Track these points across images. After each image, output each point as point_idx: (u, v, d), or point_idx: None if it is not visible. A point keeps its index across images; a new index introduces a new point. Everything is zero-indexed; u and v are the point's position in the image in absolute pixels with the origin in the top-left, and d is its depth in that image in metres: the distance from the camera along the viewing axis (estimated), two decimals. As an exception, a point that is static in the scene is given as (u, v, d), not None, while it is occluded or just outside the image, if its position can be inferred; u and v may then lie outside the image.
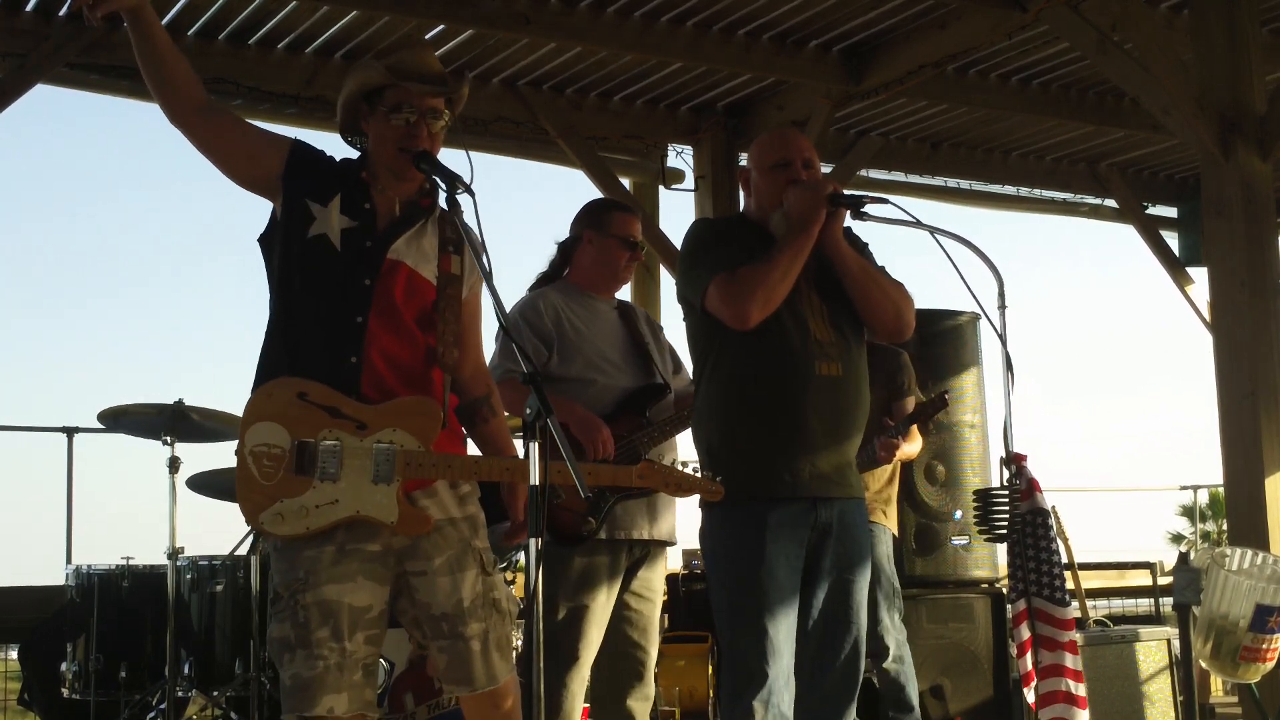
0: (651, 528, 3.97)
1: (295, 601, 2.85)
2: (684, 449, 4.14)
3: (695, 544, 7.26)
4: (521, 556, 4.49)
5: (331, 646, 2.83)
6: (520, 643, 3.72)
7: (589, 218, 4.15)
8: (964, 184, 9.02)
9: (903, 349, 5.40)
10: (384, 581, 2.92)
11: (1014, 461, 3.63)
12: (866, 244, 3.69)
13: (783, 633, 3.40)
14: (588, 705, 4.02)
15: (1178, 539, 16.71)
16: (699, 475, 3.14)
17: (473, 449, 3.23)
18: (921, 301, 3.74)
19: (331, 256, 2.95)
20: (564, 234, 4.20)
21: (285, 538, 2.86)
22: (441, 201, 3.00)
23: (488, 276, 2.91)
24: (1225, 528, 7.36)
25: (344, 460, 2.85)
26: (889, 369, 5.13)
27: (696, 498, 3.56)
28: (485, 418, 3.18)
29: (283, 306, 3.00)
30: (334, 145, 3.16)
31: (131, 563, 5.40)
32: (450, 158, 3.11)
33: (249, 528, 5.22)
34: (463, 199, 2.94)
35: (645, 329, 4.17)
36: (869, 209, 3.49)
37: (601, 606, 3.86)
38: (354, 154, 3.14)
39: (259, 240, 3.07)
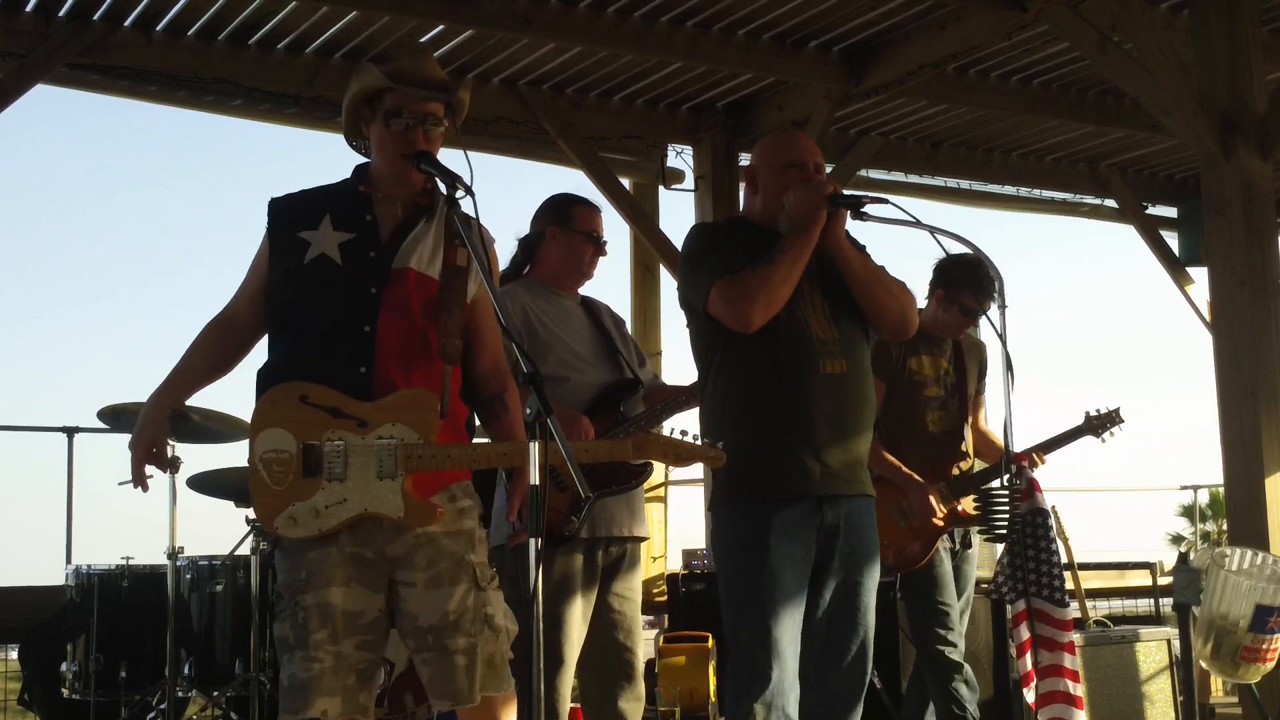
0: (631, 524, 3.96)
1: (296, 602, 2.90)
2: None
3: (695, 544, 7.29)
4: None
5: (328, 649, 2.86)
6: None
7: (552, 214, 4.09)
8: (964, 184, 9.02)
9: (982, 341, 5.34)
10: (377, 589, 2.94)
11: (1014, 461, 3.63)
12: (864, 245, 3.70)
13: (787, 634, 3.39)
14: (577, 705, 4.01)
15: (1178, 539, 16.69)
16: (698, 443, 3.06)
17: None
18: (922, 301, 3.74)
19: (333, 270, 2.99)
20: (528, 230, 4.15)
21: (300, 540, 2.90)
22: (442, 188, 3.03)
23: (487, 277, 2.93)
24: (1225, 528, 7.36)
25: (349, 459, 2.89)
26: (982, 362, 5.07)
27: (702, 500, 3.56)
28: (498, 414, 3.16)
29: (285, 325, 3.03)
30: (334, 145, 3.18)
31: (131, 563, 5.40)
32: (448, 158, 3.13)
33: (249, 528, 5.25)
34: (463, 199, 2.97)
35: (609, 324, 4.15)
36: (869, 209, 3.50)
37: (581, 606, 3.86)
38: (340, 176, 3.16)
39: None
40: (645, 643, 4.16)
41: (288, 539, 2.91)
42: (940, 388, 4.89)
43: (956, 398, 4.93)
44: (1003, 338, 3.53)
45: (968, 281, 4.73)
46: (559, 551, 3.80)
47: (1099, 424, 4.94)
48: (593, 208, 4.15)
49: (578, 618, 3.84)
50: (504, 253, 4.13)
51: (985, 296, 4.77)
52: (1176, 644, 5.53)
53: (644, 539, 4.07)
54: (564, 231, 4.05)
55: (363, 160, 3.17)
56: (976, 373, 5.06)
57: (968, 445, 4.96)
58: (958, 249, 3.77)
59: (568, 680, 3.84)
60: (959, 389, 4.95)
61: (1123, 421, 4.94)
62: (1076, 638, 3.89)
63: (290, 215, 3.08)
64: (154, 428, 3.00)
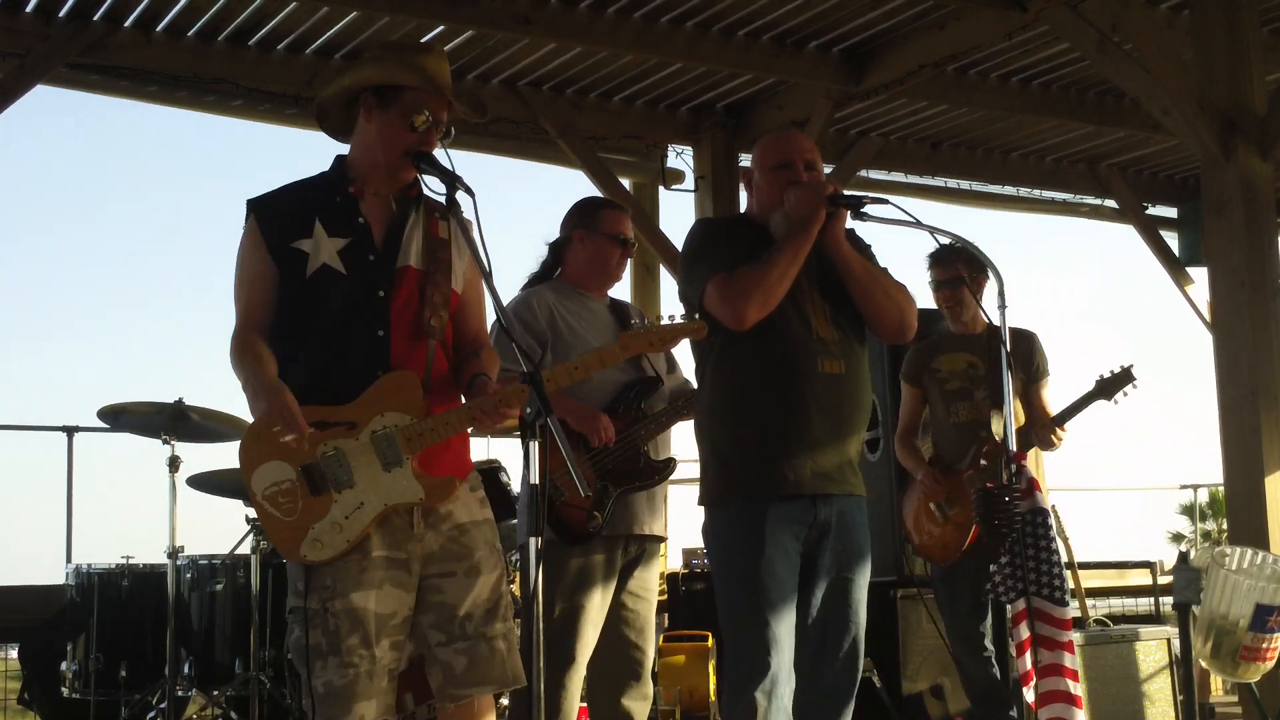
0: (651, 522, 3.97)
1: (325, 609, 2.85)
2: (678, 442, 4.15)
3: (695, 543, 7.28)
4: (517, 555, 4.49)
5: (361, 654, 2.85)
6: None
7: (579, 217, 4.14)
8: (964, 184, 9.02)
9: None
10: (408, 588, 2.92)
11: (1014, 461, 3.63)
12: (869, 245, 3.70)
13: (783, 627, 3.40)
14: (584, 705, 4.03)
15: (1178, 539, 16.69)
16: (677, 321, 3.11)
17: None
18: (922, 302, 3.75)
19: (338, 280, 2.95)
20: (558, 234, 4.20)
21: (332, 558, 2.85)
22: (427, 191, 3.02)
23: (487, 276, 2.92)
24: (1225, 527, 7.36)
25: (350, 463, 2.86)
26: (1024, 353, 5.08)
27: (697, 498, 3.57)
28: (467, 359, 3.08)
29: (290, 336, 2.96)
30: (334, 146, 3.14)
31: (131, 562, 5.41)
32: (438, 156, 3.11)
33: (249, 528, 5.24)
34: (462, 199, 2.95)
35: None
36: (869, 209, 3.50)
37: (597, 606, 3.86)
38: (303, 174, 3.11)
39: None
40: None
41: (322, 561, 2.85)
42: (964, 381, 5.04)
43: (983, 389, 4.99)
44: (1002, 339, 3.53)
45: (930, 259, 5.05)
46: (575, 550, 3.81)
47: (1111, 385, 4.88)
48: (620, 211, 4.21)
49: (593, 617, 3.85)
50: (533, 257, 4.21)
51: (946, 261, 4.98)
52: (1176, 643, 5.53)
53: (663, 539, 4.08)
54: (590, 234, 4.10)
55: (339, 152, 3.10)
56: (1020, 363, 5.04)
57: (994, 433, 4.96)
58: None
59: (577, 679, 3.85)
60: (990, 381, 4.98)
61: (1134, 380, 4.87)
62: (1076, 637, 3.89)
63: (279, 222, 2.99)
64: (285, 394, 2.82)
